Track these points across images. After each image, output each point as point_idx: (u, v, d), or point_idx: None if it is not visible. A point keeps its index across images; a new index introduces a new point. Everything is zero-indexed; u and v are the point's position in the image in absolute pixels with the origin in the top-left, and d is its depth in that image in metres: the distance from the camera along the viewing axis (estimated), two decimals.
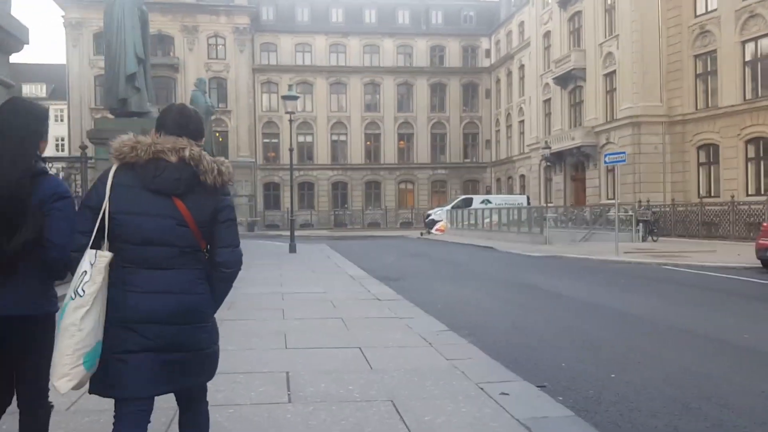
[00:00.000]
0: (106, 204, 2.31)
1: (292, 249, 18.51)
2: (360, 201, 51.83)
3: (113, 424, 2.34)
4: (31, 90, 76.01)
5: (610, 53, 32.81)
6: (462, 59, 54.55)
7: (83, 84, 48.41)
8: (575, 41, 36.87)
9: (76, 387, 2.30)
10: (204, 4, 48.24)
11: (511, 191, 48.14)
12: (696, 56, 28.92)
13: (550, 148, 34.44)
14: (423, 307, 8.15)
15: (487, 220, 29.40)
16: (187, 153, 2.35)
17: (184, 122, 2.46)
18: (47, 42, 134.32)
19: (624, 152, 18.17)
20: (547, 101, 40.83)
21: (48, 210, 2.46)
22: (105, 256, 2.28)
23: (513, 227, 24.56)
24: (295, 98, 18.46)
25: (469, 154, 54.87)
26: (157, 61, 48.22)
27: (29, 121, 2.57)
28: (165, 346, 2.30)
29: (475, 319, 7.68)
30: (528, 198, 37.55)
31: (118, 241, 2.32)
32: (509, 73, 50.12)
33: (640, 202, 28.17)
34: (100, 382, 2.32)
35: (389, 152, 52.57)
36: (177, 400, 2.55)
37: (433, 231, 33.63)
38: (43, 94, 74.71)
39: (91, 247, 2.30)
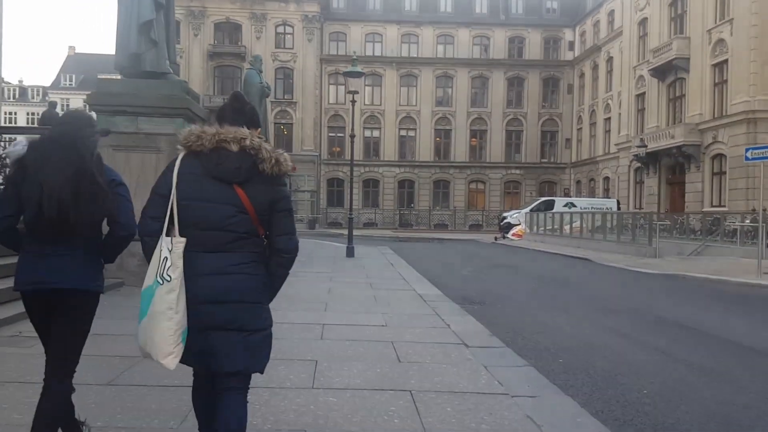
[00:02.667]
0: (173, 191, 2.43)
1: (350, 253, 15.73)
2: (427, 200, 48.74)
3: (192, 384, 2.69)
4: None
5: (720, 40, 28.55)
6: (543, 52, 50.58)
7: None
8: (677, 28, 32.63)
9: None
10: None
11: (592, 194, 44.01)
12: None
13: (646, 146, 30.42)
14: (538, 363, 5.14)
15: (574, 225, 25.88)
16: (248, 142, 2.45)
17: (239, 107, 2.62)
18: None
19: None
20: (641, 96, 36.62)
21: (111, 194, 2.74)
22: (181, 241, 2.42)
23: (610, 235, 20.93)
24: (359, 75, 15.67)
25: (547, 153, 50.77)
26: (224, 50, 46.92)
27: (78, 124, 2.84)
28: (229, 324, 2.43)
29: (638, 398, 4.55)
30: (618, 202, 33.57)
31: (185, 226, 2.44)
32: (595, 67, 45.91)
33: (754, 210, 24.07)
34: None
35: (460, 150, 49.19)
36: (219, 389, 2.54)
37: (509, 236, 30.23)
38: None
39: (166, 234, 2.44)
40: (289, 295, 8.40)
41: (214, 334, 2.42)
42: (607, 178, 43.49)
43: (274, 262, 2.57)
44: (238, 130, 2.47)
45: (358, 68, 15.68)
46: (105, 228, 2.82)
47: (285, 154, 2.53)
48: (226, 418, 2.51)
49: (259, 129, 2.62)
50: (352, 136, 16.04)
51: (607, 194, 42.18)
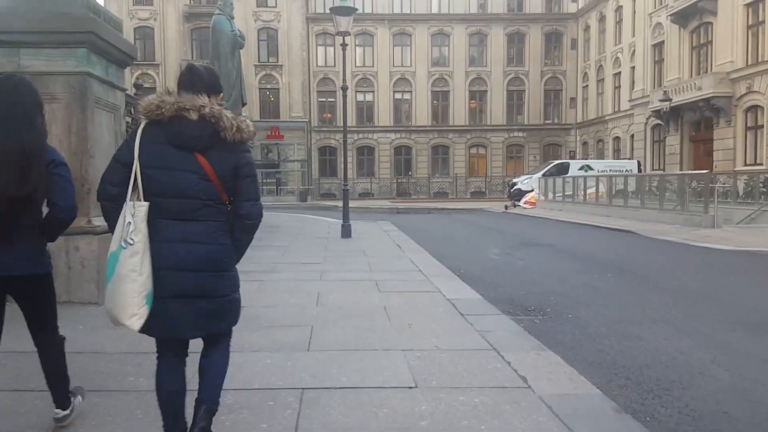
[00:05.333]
0: (136, 159, 2.45)
1: (346, 232, 12.83)
2: (425, 168, 45.67)
3: (156, 359, 2.63)
4: None
5: None
6: (544, 4, 47.02)
7: None
8: None
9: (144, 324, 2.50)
10: None
11: (601, 156, 41.04)
12: None
13: (670, 99, 27.35)
14: None
15: (590, 191, 22.99)
16: (207, 110, 2.47)
17: (192, 80, 2.57)
18: None
19: None
20: (658, 45, 33.45)
21: (50, 175, 2.71)
22: (143, 205, 2.44)
23: (650, 202, 17.98)
24: (350, 12, 12.55)
25: (551, 114, 47.52)
26: (201, 10, 43.09)
27: (30, 93, 2.79)
28: (192, 292, 2.47)
29: None
30: (639, 163, 30.65)
31: (147, 193, 2.46)
32: (602, 18, 42.51)
33: None
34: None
35: (459, 112, 45.91)
36: (203, 338, 2.67)
37: (521, 204, 27.32)
38: None
39: (130, 200, 2.45)
40: (261, 313, 5.50)
41: (179, 302, 2.46)
42: (617, 138, 40.50)
43: (238, 228, 2.59)
44: (196, 98, 2.48)
45: (348, 3, 12.53)
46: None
47: (247, 120, 2.56)
48: (211, 360, 2.64)
49: (221, 95, 2.64)
50: (344, 89, 12.96)
51: (617, 155, 39.29)
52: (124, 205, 2.43)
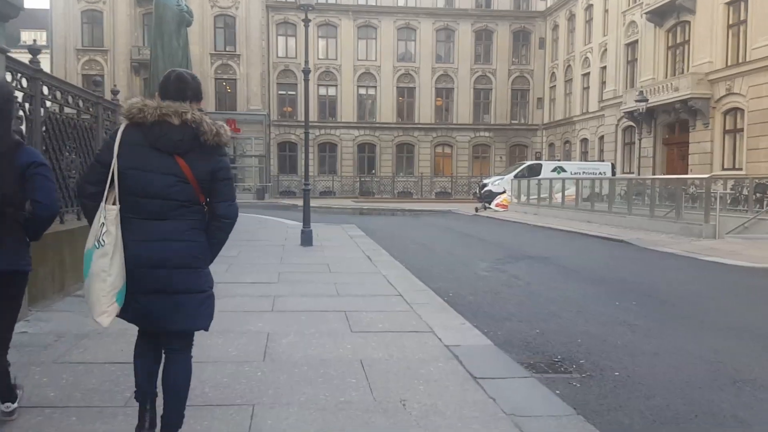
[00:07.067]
0: (114, 160, 2.49)
1: (307, 239, 10.99)
2: (390, 166, 43.98)
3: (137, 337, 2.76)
4: (30, 37, 69.01)
5: None
6: (512, 1, 45.90)
7: (69, 22, 40.70)
8: None
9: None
10: None
11: (567, 158, 40.01)
12: None
13: (647, 100, 26.21)
14: None
15: (568, 194, 21.62)
16: (189, 116, 2.53)
17: (182, 88, 2.61)
18: None
19: None
20: (632, 45, 32.42)
21: (31, 175, 2.77)
22: (112, 209, 2.50)
23: (638, 209, 16.54)
24: None
25: (518, 114, 46.38)
26: None
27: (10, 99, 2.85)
28: (171, 288, 2.52)
29: None
30: (612, 166, 29.52)
31: (126, 194, 2.51)
32: (571, 17, 41.50)
33: None
34: (123, 312, 2.59)
35: (425, 110, 44.36)
36: (165, 349, 2.69)
37: (492, 206, 25.83)
38: (43, 42, 67.61)
39: (105, 201, 2.51)
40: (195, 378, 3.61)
41: (156, 297, 2.51)
42: (585, 140, 39.55)
43: (214, 227, 2.64)
44: (179, 105, 2.53)
45: None
46: None
47: (225, 125, 2.60)
48: (174, 374, 2.65)
49: (201, 100, 2.67)
50: (306, 72, 11.10)
51: (585, 157, 38.38)
52: (101, 205, 2.49)
